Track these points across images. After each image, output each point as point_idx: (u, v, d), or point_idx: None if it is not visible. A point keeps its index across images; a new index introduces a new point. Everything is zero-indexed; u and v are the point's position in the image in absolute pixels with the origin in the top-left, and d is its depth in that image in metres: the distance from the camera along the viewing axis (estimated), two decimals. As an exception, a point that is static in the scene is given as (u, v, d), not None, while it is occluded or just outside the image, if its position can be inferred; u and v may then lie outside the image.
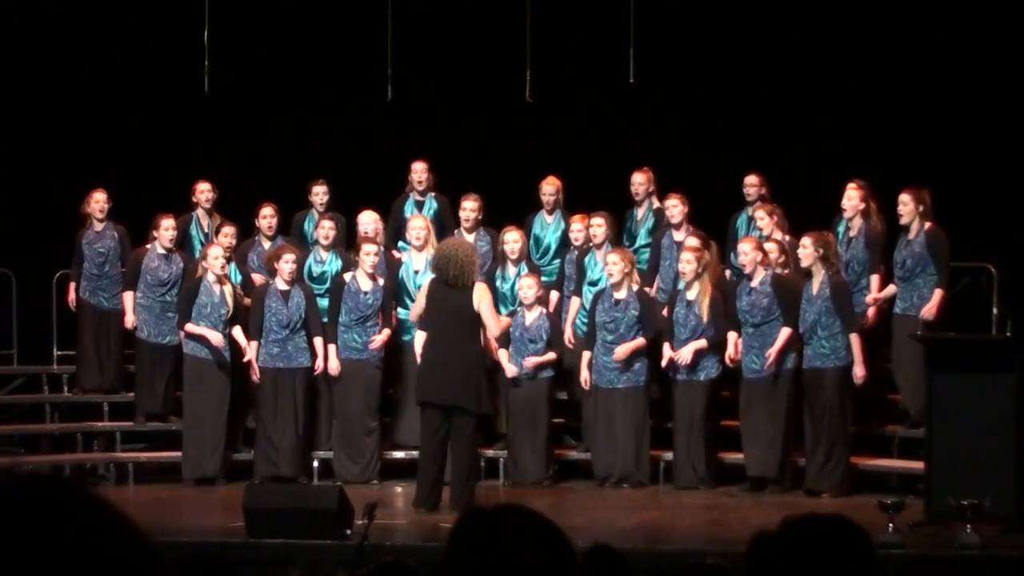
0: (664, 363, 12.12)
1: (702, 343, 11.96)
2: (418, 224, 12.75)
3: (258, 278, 12.93)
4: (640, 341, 12.17)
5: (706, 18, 14.26)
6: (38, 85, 14.56)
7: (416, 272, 12.66)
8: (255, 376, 12.44)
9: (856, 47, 13.81)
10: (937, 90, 13.62)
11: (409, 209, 13.30)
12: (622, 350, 12.11)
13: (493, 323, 11.12)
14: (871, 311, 12.03)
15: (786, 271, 12.01)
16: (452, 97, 14.69)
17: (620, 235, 13.06)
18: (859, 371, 11.55)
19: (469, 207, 13.03)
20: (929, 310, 11.67)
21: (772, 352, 11.70)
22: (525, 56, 13.55)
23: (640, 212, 13.18)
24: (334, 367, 12.49)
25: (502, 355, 12.41)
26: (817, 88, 13.90)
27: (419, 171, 13.33)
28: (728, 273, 12.63)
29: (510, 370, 12.36)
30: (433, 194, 13.39)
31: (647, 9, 13.42)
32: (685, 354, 11.96)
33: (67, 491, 1.80)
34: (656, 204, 13.10)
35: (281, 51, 14.67)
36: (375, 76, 13.80)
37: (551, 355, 12.41)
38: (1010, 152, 13.48)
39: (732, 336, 11.97)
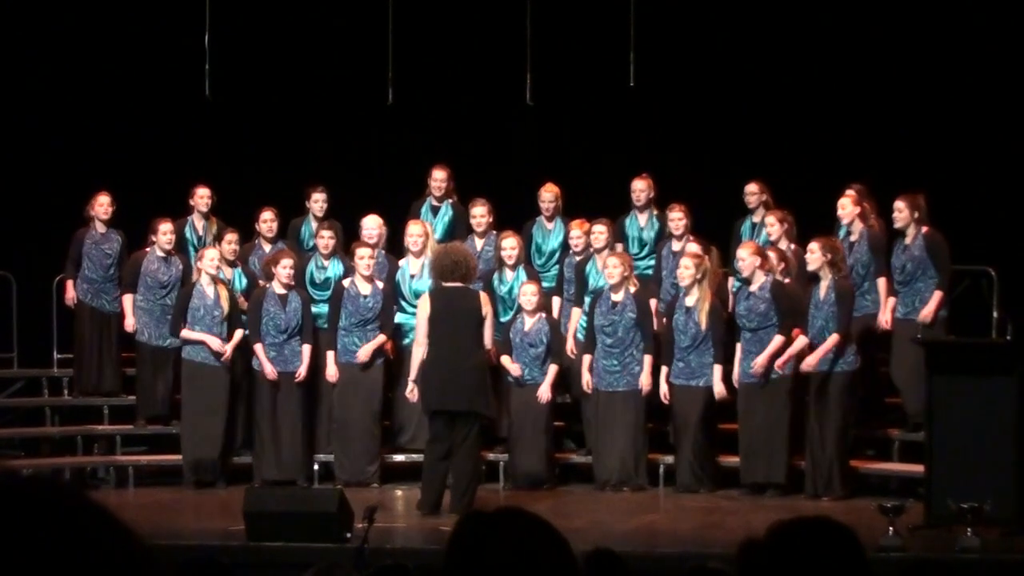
0: (664, 397, 12.14)
1: (719, 370, 11.94)
2: (416, 230, 12.76)
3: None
4: (648, 362, 12.12)
5: (706, 22, 14.26)
6: (39, 87, 14.56)
7: (412, 276, 12.66)
8: (271, 375, 12.39)
9: (856, 53, 13.81)
10: (937, 94, 13.62)
11: (425, 214, 13.32)
12: (646, 380, 12.11)
13: (489, 338, 11.18)
14: (885, 323, 11.96)
15: (787, 279, 11.99)
16: (452, 101, 14.70)
17: (623, 240, 13.05)
18: (810, 360, 11.49)
19: (479, 212, 13.05)
20: (926, 314, 11.65)
21: (759, 361, 11.68)
22: (526, 59, 13.55)
23: (642, 219, 13.15)
24: (332, 373, 12.50)
25: (506, 361, 12.41)
26: (817, 93, 13.89)
27: (439, 178, 13.32)
28: (732, 280, 12.62)
29: (515, 370, 12.36)
30: (450, 201, 13.38)
31: (647, 13, 13.43)
32: (718, 389, 11.95)
33: (63, 494, 1.80)
34: (656, 211, 13.09)
35: (282, 55, 14.67)
36: (376, 80, 13.80)
37: (554, 369, 12.41)
38: (1010, 155, 13.48)
39: (737, 349, 11.95)
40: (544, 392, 12.34)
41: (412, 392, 11.23)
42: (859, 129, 13.78)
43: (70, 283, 13.28)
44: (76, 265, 13.26)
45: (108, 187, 13.39)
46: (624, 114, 14.27)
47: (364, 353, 12.44)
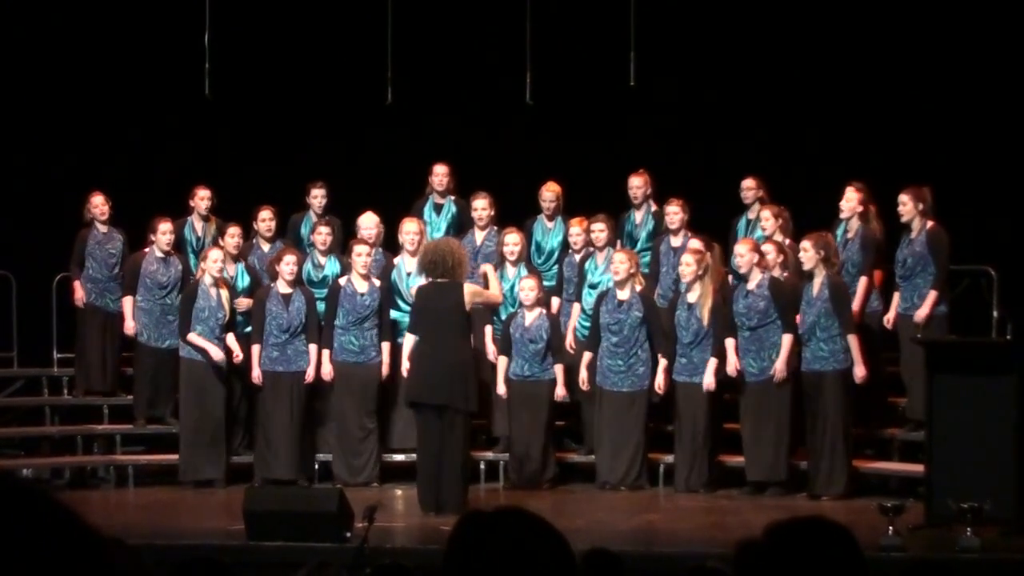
0: (658, 387, 12.13)
1: (714, 363, 11.95)
2: (411, 228, 12.76)
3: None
4: (663, 364, 12.12)
5: (706, 20, 14.26)
6: (39, 87, 14.56)
7: (408, 274, 12.66)
8: (256, 379, 12.43)
9: (856, 48, 13.81)
10: (937, 91, 13.62)
11: (428, 211, 13.34)
12: (661, 382, 12.12)
13: (495, 295, 11.67)
14: (856, 306, 11.96)
15: (785, 274, 12.00)
16: (452, 99, 14.70)
17: (620, 238, 13.06)
18: (859, 371, 11.54)
19: (480, 206, 13.08)
20: (920, 314, 11.65)
21: (779, 364, 11.69)
22: (525, 58, 13.55)
23: (639, 216, 13.17)
24: (327, 371, 12.49)
25: (501, 364, 12.40)
26: (817, 90, 13.90)
27: (440, 174, 13.35)
28: (731, 277, 12.63)
29: (501, 388, 12.37)
30: (453, 197, 13.41)
31: (647, 12, 13.42)
32: (708, 380, 11.95)
33: (26, 493, 1.80)
34: (654, 207, 13.11)
35: (282, 54, 14.67)
36: (375, 78, 13.80)
37: (559, 368, 12.41)
38: (1010, 154, 13.48)
39: (730, 344, 11.95)
40: (559, 392, 12.34)
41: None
42: (859, 127, 13.78)
43: (77, 283, 13.25)
44: (80, 266, 13.26)
45: (108, 186, 13.39)
46: (624, 114, 14.27)
47: (387, 367, 12.44)
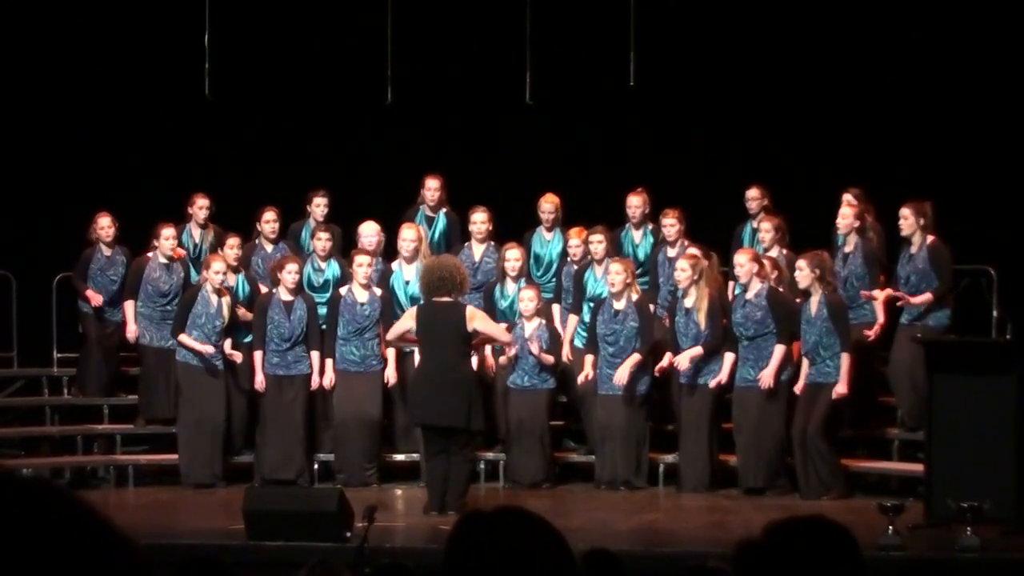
0: (657, 370, 12.12)
1: (698, 350, 11.95)
2: (409, 235, 12.73)
3: (262, 288, 12.89)
4: (635, 358, 12.14)
5: (707, 22, 14.25)
6: (38, 87, 14.55)
7: (407, 283, 12.64)
8: (260, 386, 12.42)
9: (856, 54, 13.80)
10: (937, 94, 13.61)
11: (419, 222, 13.23)
12: (623, 373, 12.09)
13: (500, 333, 11.45)
14: (875, 330, 11.92)
15: (780, 288, 11.98)
16: (452, 100, 14.69)
17: (619, 253, 12.98)
18: (841, 388, 11.49)
19: (479, 219, 13.02)
20: (914, 300, 11.61)
21: (767, 372, 11.69)
22: (525, 59, 13.55)
23: (637, 234, 13.06)
24: (329, 379, 12.47)
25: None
26: (818, 94, 13.88)
27: (432, 188, 13.25)
28: (732, 285, 12.60)
29: (497, 359, 12.29)
30: (444, 210, 13.34)
31: (647, 12, 13.42)
32: (683, 361, 11.94)
33: (56, 496, 1.80)
34: (651, 226, 12.99)
35: (282, 55, 14.66)
36: (375, 79, 13.80)
37: (549, 358, 12.39)
38: (1010, 154, 13.48)
39: (729, 358, 11.94)
40: (533, 348, 12.27)
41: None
42: (860, 127, 13.76)
43: (89, 292, 13.10)
44: (84, 279, 13.15)
45: (107, 184, 13.39)
46: (624, 114, 14.26)
47: (392, 376, 12.40)
